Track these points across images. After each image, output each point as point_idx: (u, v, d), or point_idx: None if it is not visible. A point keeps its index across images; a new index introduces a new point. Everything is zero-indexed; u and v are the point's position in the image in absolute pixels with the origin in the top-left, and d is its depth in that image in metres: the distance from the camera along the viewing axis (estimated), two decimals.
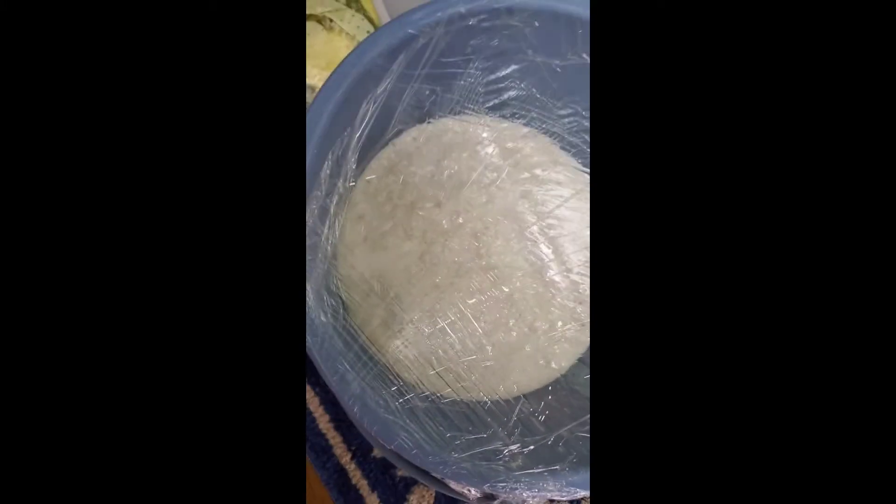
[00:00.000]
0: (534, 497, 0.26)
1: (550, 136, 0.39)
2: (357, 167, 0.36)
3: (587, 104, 0.33)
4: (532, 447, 0.27)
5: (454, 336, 0.38)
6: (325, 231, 0.26)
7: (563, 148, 0.40)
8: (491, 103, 0.33)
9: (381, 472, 0.45)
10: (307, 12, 0.43)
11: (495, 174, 0.41)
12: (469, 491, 0.27)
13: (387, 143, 0.38)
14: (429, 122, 0.39)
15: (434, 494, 0.46)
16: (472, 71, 0.30)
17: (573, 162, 0.41)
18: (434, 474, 0.25)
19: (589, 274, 0.42)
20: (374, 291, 0.38)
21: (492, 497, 0.27)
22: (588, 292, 0.41)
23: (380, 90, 0.26)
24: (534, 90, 0.32)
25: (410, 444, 0.25)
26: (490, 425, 0.28)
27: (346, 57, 0.26)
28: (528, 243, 0.41)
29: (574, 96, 0.33)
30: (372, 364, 0.29)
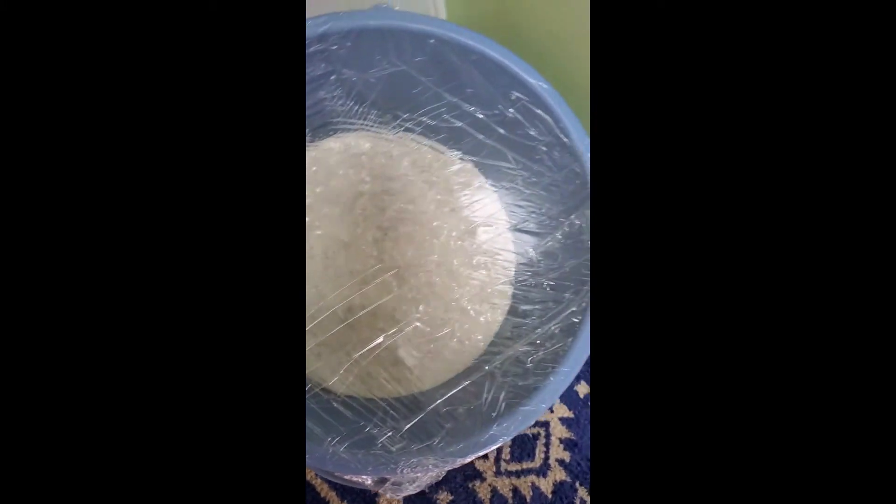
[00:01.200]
0: (416, 472, 0.28)
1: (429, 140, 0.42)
2: None
3: (407, 107, 0.35)
4: (407, 427, 0.29)
5: (369, 336, 0.40)
6: None
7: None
8: (317, 125, 0.35)
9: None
10: None
11: (386, 181, 0.44)
12: (363, 479, 0.29)
13: None
14: (308, 148, 0.41)
15: None
16: None
17: (451, 159, 0.43)
18: (321, 469, 0.27)
19: (501, 263, 0.44)
20: None
21: (384, 480, 0.29)
22: (493, 281, 0.43)
23: None
24: (351, 104, 0.35)
25: None
26: (366, 416, 0.30)
27: None
28: (430, 240, 0.44)
29: (392, 102, 0.35)
30: None
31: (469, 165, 0.41)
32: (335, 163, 0.43)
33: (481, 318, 0.43)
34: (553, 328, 0.32)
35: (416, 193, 0.44)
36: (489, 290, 0.42)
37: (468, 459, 0.29)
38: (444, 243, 0.44)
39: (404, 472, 0.28)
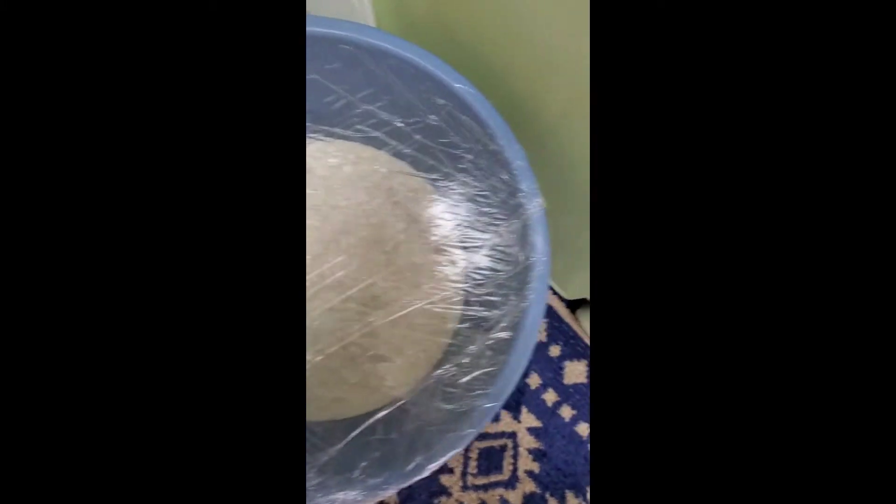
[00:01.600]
0: None
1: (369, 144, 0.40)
2: None
3: (319, 116, 0.33)
4: (325, 461, 0.27)
5: (315, 358, 0.39)
6: None
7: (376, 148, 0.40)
8: None
9: None
10: None
11: (324, 193, 0.42)
12: None
13: None
14: None
15: None
16: None
17: (401, 164, 0.41)
18: None
19: (453, 263, 0.42)
20: None
21: None
22: (441, 311, 0.41)
23: None
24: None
25: None
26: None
27: None
28: (377, 254, 0.42)
29: (309, 114, 0.33)
30: None
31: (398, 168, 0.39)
32: None
33: (398, 362, 0.40)
34: (483, 347, 0.30)
35: (362, 203, 0.42)
36: (439, 310, 0.41)
37: (390, 492, 0.27)
38: (392, 254, 0.42)
39: None
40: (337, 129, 0.33)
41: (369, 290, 0.41)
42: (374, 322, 0.38)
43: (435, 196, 0.39)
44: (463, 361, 0.31)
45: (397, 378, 0.36)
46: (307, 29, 0.30)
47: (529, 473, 0.55)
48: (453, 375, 0.31)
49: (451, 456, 0.28)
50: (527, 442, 0.55)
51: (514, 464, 0.55)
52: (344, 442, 0.28)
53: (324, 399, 0.36)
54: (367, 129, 0.33)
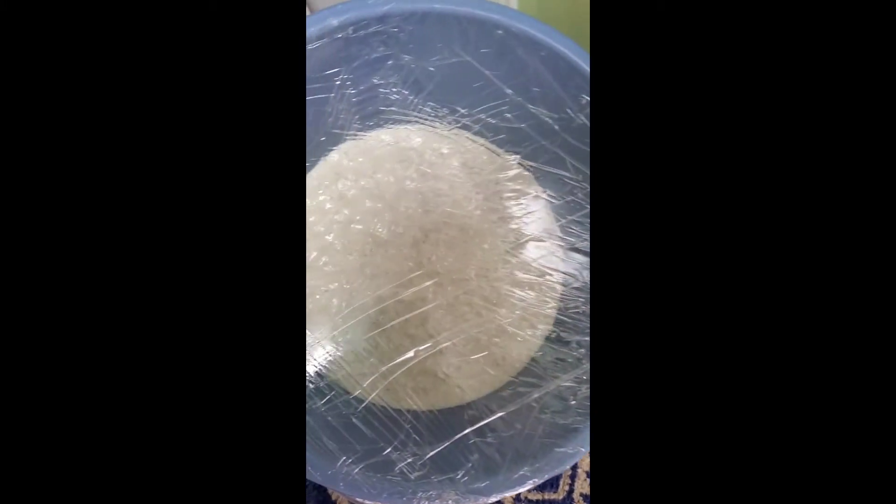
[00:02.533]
0: None
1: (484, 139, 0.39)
2: None
3: (465, 102, 0.32)
4: (430, 455, 0.26)
5: (400, 346, 0.38)
6: None
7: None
8: (367, 113, 0.33)
9: None
10: None
11: (432, 181, 0.41)
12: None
13: (313, 164, 0.39)
14: (357, 137, 0.39)
15: None
16: (344, 82, 0.30)
17: (507, 163, 0.40)
18: (330, 488, 0.25)
19: (548, 284, 0.40)
20: (316, 308, 0.39)
21: None
22: (538, 302, 0.40)
23: None
24: (406, 93, 0.32)
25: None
26: (387, 437, 0.28)
27: None
28: (472, 248, 0.41)
29: (451, 95, 0.32)
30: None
31: (526, 173, 0.38)
32: (383, 155, 0.41)
33: (518, 339, 0.39)
34: None
35: (464, 197, 0.41)
36: (532, 311, 0.39)
37: (492, 499, 0.26)
38: (489, 254, 0.41)
39: (422, 503, 0.25)
40: (483, 117, 0.32)
41: (467, 282, 0.40)
42: (497, 316, 0.37)
43: (570, 197, 0.37)
44: (581, 376, 0.29)
45: (503, 376, 0.35)
46: (463, 9, 0.29)
47: (585, 497, 0.53)
48: (570, 388, 0.29)
49: (557, 473, 0.27)
50: (587, 464, 0.53)
51: (571, 485, 0.53)
52: (451, 440, 0.27)
53: (428, 389, 0.35)
54: (513, 119, 0.32)
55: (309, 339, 0.38)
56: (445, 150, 0.41)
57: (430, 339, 0.38)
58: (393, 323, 0.37)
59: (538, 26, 0.29)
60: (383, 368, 0.33)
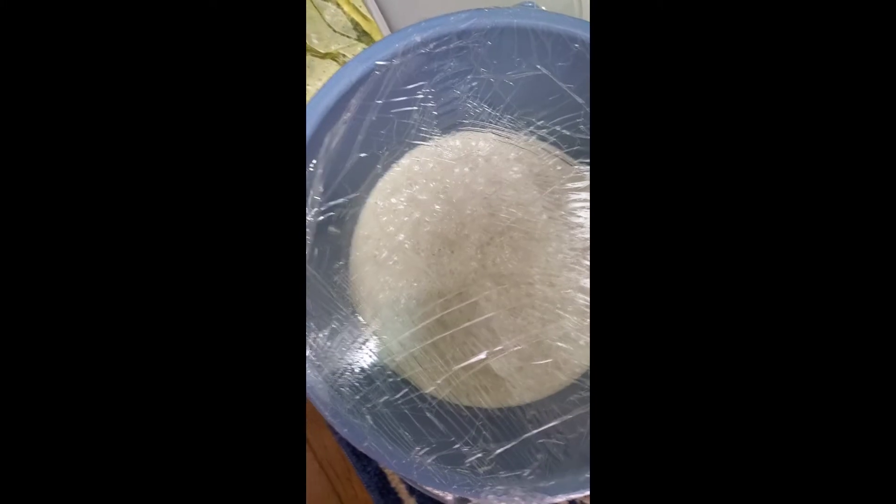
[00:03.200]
0: (500, 500, 0.27)
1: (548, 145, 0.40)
2: (353, 196, 0.39)
3: (542, 114, 0.33)
4: (498, 452, 0.27)
5: (464, 344, 0.39)
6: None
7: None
8: (448, 125, 0.34)
9: None
10: (322, 51, 0.47)
11: (496, 186, 0.42)
12: (444, 495, 0.28)
13: (387, 168, 0.41)
14: (429, 142, 0.41)
15: None
16: (426, 95, 0.31)
17: (574, 172, 0.40)
18: (403, 477, 0.27)
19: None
20: (384, 304, 0.41)
21: (465, 501, 0.28)
22: None
23: (341, 121, 0.29)
24: (486, 107, 0.33)
25: (377, 448, 0.27)
26: (458, 431, 0.29)
27: (312, 97, 0.29)
28: (536, 251, 0.42)
29: (528, 108, 0.33)
30: (355, 369, 0.32)
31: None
32: (452, 160, 0.43)
33: (581, 343, 0.40)
34: None
35: (530, 201, 0.42)
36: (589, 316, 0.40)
37: (558, 500, 0.27)
38: (553, 258, 0.42)
39: (489, 497, 0.26)
40: (558, 129, 0.33)
41: (531, 285, 0.41)
42: (559, 319, 0.38)
43: None
44: None
45: (565, 378, 0.36)
46: (541, 24, 0.30)
47: None
48: None
49: None
50: None
51: None
52: (519, 439, 0.29)
53: (489, 388, 0.36)
54: (584, 129, 0.32)
55: (377, 335, 0.40)
56: (513, 156, 0.42)
57: (494, 340, 0.40)
58: (459, 324, 0.39)
59: None
60: (456, 367, 0.35)
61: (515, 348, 0.35)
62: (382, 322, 0.40)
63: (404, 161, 0.42)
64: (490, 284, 0.41)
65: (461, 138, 0.42)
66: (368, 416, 0.27)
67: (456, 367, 0.35)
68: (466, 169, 0.42)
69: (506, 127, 0.35)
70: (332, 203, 0.32)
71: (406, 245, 0.42)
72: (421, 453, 0.27)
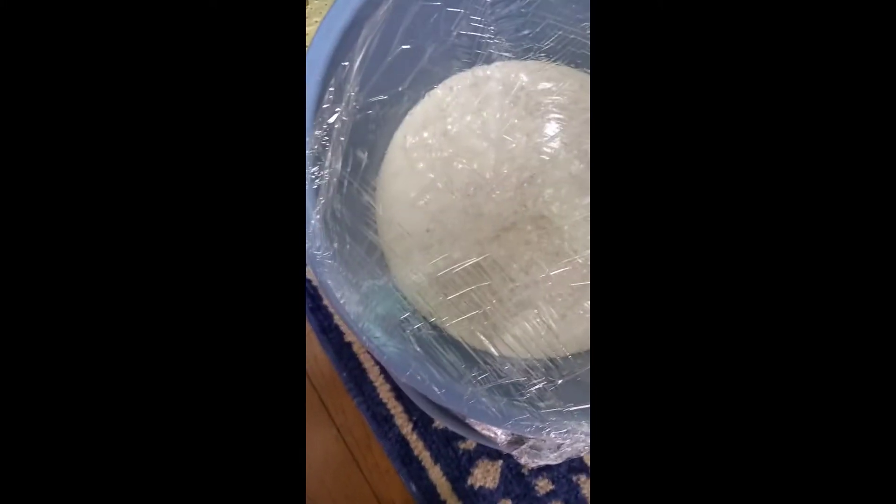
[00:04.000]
0: (565, 439, 0.23)
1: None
2: (397, 90, 0.35)
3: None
4: (560, 381, 0.24)
5: (501, 291, 0.36)
6: (330, 163, 0.25)
7: None
8: (499, 15, 0.31)
9: (444, 445, 0.44)
10: None
11: (539, 120, 0.39)
12: (495, 434, 0.25)
13: (420, 98, 0.38)
14: (463, 70, 0.38)
15: (499, 469, 0.44)
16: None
17: None
18: (451, 410, 0.23)
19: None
20: (416, 248, 0.38)
21: (521, 441, 0.24)
22: None
23: (382, 9, 0.25)
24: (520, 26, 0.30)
25: (423, 376, 0.23)
26: (515, 360, 0.25)
27: None
28: (579, 189, 0.38)
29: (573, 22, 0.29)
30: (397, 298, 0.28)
31: None
32: (491, 93, 0.39)
33: None
34: None
35: (574, 139, 0.39)
36: None
37: None
38: None
39: (551, 435, 0.23)
40: None
41: (575, 227, 0.38)
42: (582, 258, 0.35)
43: None
44: None
45: None
46: None
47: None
48: None
49: None
50: None
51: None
52: (586, 368, 0.25)
53: (540, 338, 0.33)
54: None
55: (410, 284, 0.36)
56: (556, 88, 0.39)
57: (534, 287, 0.36)
58: (496, 272, 0.35)
59: None
60: (496, 317, 0.31)
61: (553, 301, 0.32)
62: (415, 269, 0.37)
63: (437, 92, 0.39)
64: (530, 228, 0.38)
65: (499, 68, 0.39)
66: (413, 339, 0.23)
67: (493, 317, 0.32)
68: (506, 101, 0.39)
69: (562, 42, 0.31)
70: (372, 99, 0.28)
71: (438, 184, 0.38)
72: (474, 382, 0.23)
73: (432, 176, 0.38)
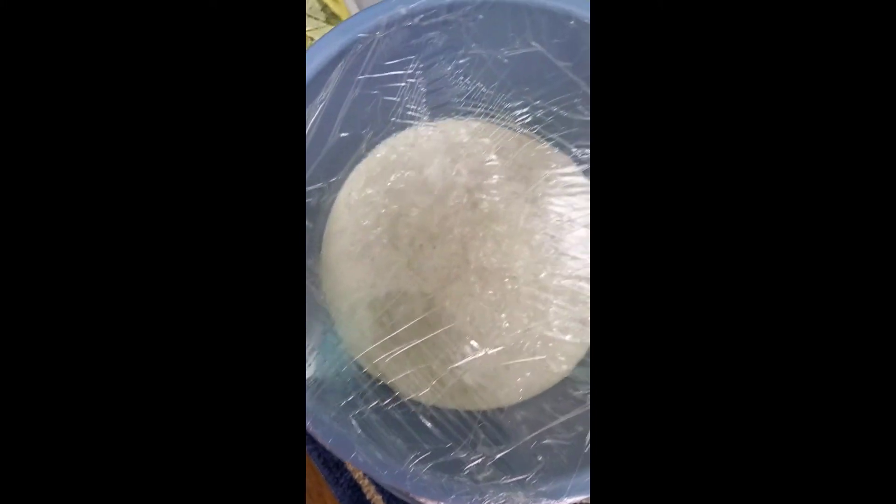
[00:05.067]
0: None
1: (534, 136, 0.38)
2: (333, 180, 0.36)
3: (539, 93, 0.31)
4: (499, 456, 0.25)
5: (447, 343, 0.37)
6: None
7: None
8: (437, 103, 0.32)
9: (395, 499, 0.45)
10: None
11: (481, 176, 0.40)
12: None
13: (362, 156, 0.38)
14: (405, 129, 0.39)
15: None
16: (414, 71, 0.29)
17: (563, 158, 0.39)
18: (396, 488, 0.24)
19: (589, 271, 0.40)
20: (361, 304, 0.38)
21: None
22: (588, 291, 0.39)
23: (318, 99, 0.26)
24: (479, 84, 0.31)
25: (366, 458, 0.24)
26: (455, 436, 0.27)
27: None
28: (520, 244, 0.40)
29: (523, 87, 0.31)
30: (339, 377, 0.29)
31: (580, 172, 0.37)
32: (430, 149, 0.40)
33: (567, 337, 0.39)
34: None
35: (513, 193, 0.41)
36: (581, 315, 0.38)
37: (564, 503, 0.25)
38: (537, 252, 0.40)
39: None
40: (555, 109, 0.31)
41: (515, 279, 0.39)
42: (545, 313, 0.36)
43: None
44: None
45: (552, 375, 0.35)
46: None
47: None
48: None
49: None
50: None
51: None
52: (520, 442, 0.26)
53: (474, 389, 0.34)
54: (582, 110, 0.31)
55: (354, 339, 0.37)
56: (497, 145, 0.40)
57: (480, 338, 0.38)
58: (443, 324, 0.37)
59: None
60: (441, 370, 0.32)
61: (498, 349, 0.33)
62: (360, 324, 0.38)
63: (380, 150, 0.40)
64: (474, 279, 0.39)
65: (441, 127, 0.40)
66: (356, 423, 0.24)
67: (441, 371, 0.33)
68: (448, 159, 0.40)
69: (497, 108, 0.33)
70: (310, 188, 0.29)
71: (384, 240, 0.39)
72: (416, 462, 0.24)
73: (378, 231, 0.39)
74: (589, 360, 0.38)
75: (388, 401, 0.27)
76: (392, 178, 0.40)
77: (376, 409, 0.26)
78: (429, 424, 0.27)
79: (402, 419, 0.27)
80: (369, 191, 0.40)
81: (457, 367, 0.36)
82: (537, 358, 0.38)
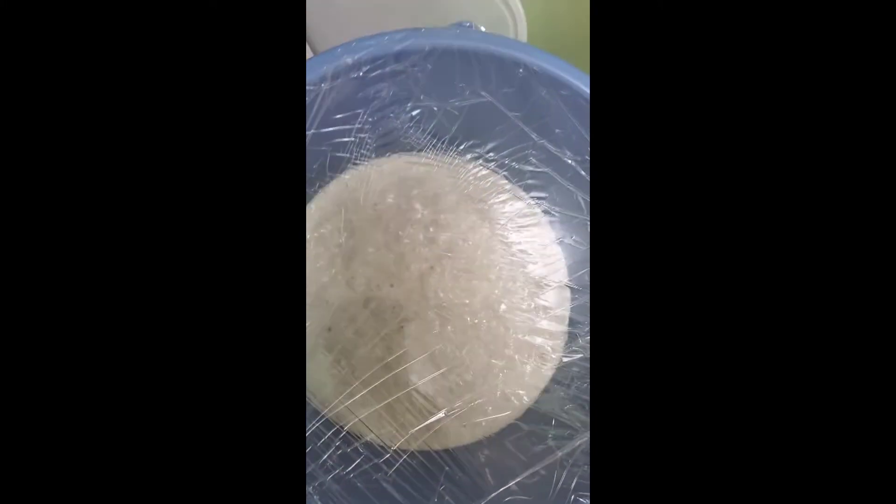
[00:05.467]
0: None
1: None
2: None
3: (490, 146, 0.31)
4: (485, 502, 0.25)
5: (408, 384, 0.37)
6: None
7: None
8: (386, 156, 0.32)
9: None
10: None
11: (437, 211, 0.40)
12: None
13: (310, 198, 0.37)
14: (356, 166, 0.38)
15: None
16: (363, 126, 0.29)
17: (519, 192, 0.39)
18: None
19: (550, 303, 0.40)
20: (319, 347, 0.37)
21: None
22: (547, 324, 0.40)
23: None
24: (430, 137, 0.31)
25: None
26: (419, 500, 0.27)
27: None
28: (478, 279, 0.40)
29: (475, 139, 0.31)
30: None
31: (535, 203, 0.38)
32: (386, 187, 0.40)
33: (527, 368, 0.39)
34: None
35: (469, 228, 0.40)
36: (540, 350, 0.39)
37: None
38: (494, 286, 0.40)
39: None
40: (505, 160, 0.31)
41: (475, 314, 0.39)
42: (505, 348, 0.36)
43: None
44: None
45: (513, 411, 0.35)
46: (482, 46, 0.28)
47: None
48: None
49: None
50: None
51: None
52: (487, 499, 0.26)
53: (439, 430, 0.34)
54: (538, 162, 0.31)
55: (314, 386, 0.36)
56: (451, 181, 0.40)
57: (441, 377, 0.37)
58: (403, 361, 0.36)
59: (558, 64, 0.29)
60: (404, 413, 0.32)
61: (457, 404, 0.33)
62: (317, 369, 0.37)
63: (332, 187, 0.39)
64: (433, 316, 0.39)
65: (391, 162, 0.39)
66: (317, 497, 0.24)
67: (403, 414, 0.32)
68: (402, 198, 0.40)
69: (454, 161, 0.33)
70: None
71: (339, 279, 0.38)
72: None
73: (334, 271, 0.38)
74: (550, 388, 0.38)
75: (350, 468, 0.26)
76: (346, 216, 0.39)
77: (337, 479, 0.25)
78: (392, 490, 0.27)
79: (365, 488, 0.26)
80: (322, 230, 0.39)
81: (418, 409, 0.36)
82: (499, 393, 0.38)
